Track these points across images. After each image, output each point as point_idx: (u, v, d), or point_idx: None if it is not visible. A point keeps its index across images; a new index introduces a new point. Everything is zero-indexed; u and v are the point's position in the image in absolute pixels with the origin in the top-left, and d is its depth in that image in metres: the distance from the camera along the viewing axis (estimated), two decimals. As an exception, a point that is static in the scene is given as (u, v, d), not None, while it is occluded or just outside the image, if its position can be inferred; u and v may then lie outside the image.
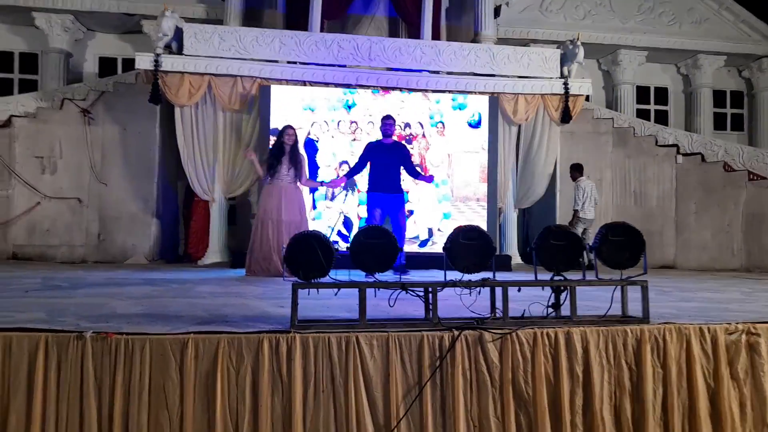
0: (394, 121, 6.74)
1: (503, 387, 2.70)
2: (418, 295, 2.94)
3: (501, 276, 3.09)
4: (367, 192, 6.54)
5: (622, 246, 3.00)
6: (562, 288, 3.02)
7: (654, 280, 3.07)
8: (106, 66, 10.52)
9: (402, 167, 6.52)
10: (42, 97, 8.48)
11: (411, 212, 7.79)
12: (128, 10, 9.86)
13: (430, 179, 7.04)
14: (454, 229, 3.12)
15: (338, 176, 7.47)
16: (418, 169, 7.09)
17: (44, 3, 9.69)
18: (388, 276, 2.89)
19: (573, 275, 3.09)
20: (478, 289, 2.94)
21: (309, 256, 2.76)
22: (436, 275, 6.02)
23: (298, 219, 6.16)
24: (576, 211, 8.15)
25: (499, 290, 2.98)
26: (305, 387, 2.55)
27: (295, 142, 6.28)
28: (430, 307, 2.89)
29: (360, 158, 6.71)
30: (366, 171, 6.65)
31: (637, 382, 2.82)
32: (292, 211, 6.13)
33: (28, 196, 8.20)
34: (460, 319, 2.91)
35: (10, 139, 8.21)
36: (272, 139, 7.89)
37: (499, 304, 2.95)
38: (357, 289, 2.80)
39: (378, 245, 2.92)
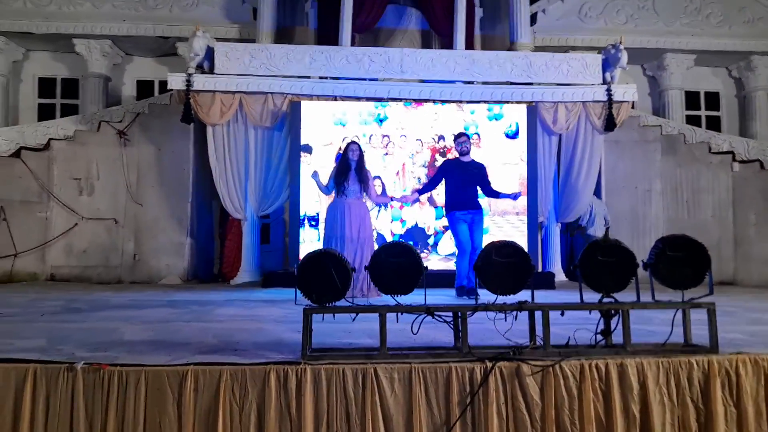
0: (469, 137, 6.50)
1: (545, 428, 2.35)
2: (445, 321, 2.62)
3: (543, 296, 2.74)
4: (447, 212, 6.23)
5: (682, 262, 2.60)
6: (612, 312, 2.64)
7: (714, 299, 2.65)
8: (144, 88, 10.70)
9: (479, 186, 6.19)
10: (81, 120, 8.64)
11: (447, 227, 7.44)
12: (163, 33, 10.02)
13: (516, 196, 6.42)
14: (486, 246, 2.80)
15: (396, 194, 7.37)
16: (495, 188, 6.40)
17: (84, 29, 9.95)
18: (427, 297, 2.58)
19: (624, 296, 2.70)
20: (514, 313, 2.60)
21: (323, 278, 2.49)
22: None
23: (365, 235, 5.95)
24: (581, 227, 8.12)
25: (538, 314, 2.63)
26: (316, 426, 2.27)
27: (360, 157, 6.09)
28: (460, 333, 2.57)
29: (435, 175, 6.54)
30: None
31: (706, 424, 2.43)
32: (357, 228, 5.90)
33: (65, 217, 8.30)
34: (494, 347, 2.58)
35: (49, 162, 8.36)
36: (304, 156, 7.76)
37: (539, 330, 2.60)
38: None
39: (400, 264, 2.62)
